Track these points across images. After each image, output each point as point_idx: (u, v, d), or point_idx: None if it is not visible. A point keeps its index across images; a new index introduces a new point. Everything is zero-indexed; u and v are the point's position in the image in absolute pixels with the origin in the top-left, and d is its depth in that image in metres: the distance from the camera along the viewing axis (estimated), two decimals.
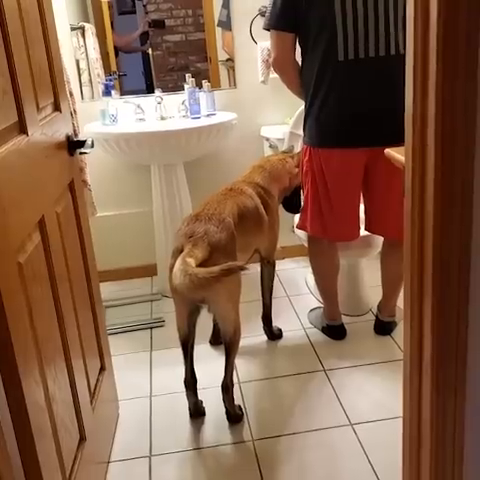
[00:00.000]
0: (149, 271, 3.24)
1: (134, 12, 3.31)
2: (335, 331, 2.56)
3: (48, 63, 1.63)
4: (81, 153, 1.77)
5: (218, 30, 3.22)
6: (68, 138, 1.73)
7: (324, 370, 2.33)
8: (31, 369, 1.25)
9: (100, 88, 3.11)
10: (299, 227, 2.49)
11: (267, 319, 2.58)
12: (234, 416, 2.08)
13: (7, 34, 1.27)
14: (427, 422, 1.19)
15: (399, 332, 2.49)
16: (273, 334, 2.59)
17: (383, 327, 2.55)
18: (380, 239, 2.48)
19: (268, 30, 2.23)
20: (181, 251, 1.89)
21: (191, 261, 1.81)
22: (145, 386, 2.32)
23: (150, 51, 3.36)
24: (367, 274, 2.75)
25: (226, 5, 3.12)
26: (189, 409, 2.12)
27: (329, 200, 2.29)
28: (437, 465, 1.20)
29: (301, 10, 2.11)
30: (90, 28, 3.13)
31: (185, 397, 2.15)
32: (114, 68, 3.30)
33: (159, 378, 2.37)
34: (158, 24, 3.26)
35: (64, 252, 1.57)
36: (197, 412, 2.12)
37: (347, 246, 2.48)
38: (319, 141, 2.24)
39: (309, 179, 2.32)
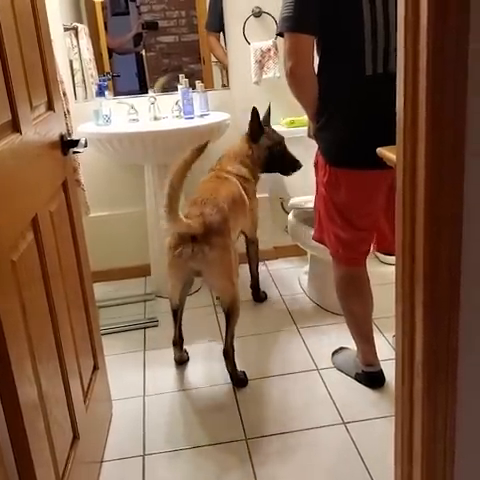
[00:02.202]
0: (143, 271, 3.24)
1: (127, 13, 3.31)
2: (374, 378, 2.21)
3: (41, 62, 1.63)
4: (74, 152, 1.77)
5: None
6: (62, 137, 1.74)
7: (317, 369, 2.34)
8: (24, 367, 1.25)
9: (93, 89, 3.11)
10: (332, 255, 2.18)
11: (256, 287, 2.97)
12: (238, 380, 2.27)
13: (0, 32, 1.27)
14: (419, 420, 1.20)
15: (392, 330, 2.50)
16: (260, 298, 2.97)
17: None
18: None
19: (281, 35, 1.91)
20: (179, 236, 2.15)
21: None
22: (138, 386, 2.31)
23: (143, 52, 3.37)
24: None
25: (213, 9, 3.15)
26: (175, 360, 2.44)
27: (351, 223, 2.05)
28: (429, 463, 1.21)
29: (324, 10, 1.83)
30: (83, 29, 3.13)
31: (179, 395, 2.22)
32: (107, 69, 3.30)
33: (152, 378, 2.37)
34: (151, 26, 3.27)
35: (57, 251, 1.57)
36: (181, 361, 2.45)
37: None
38: (345, 162, 1.97)
39: (328, 201, 2.06)
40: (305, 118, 2.26)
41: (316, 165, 2.14)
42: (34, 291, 1.38)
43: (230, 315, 2.27)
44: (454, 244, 1.04)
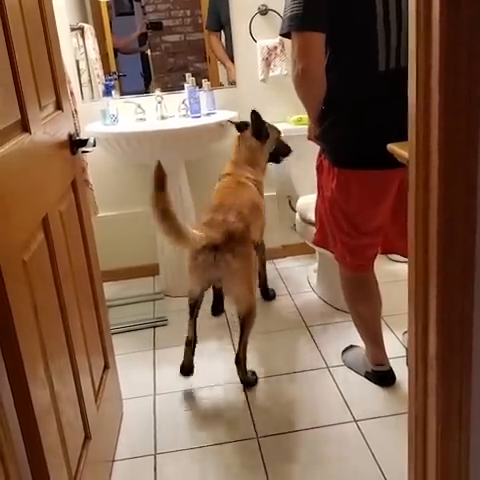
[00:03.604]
0: (151, 271, 3.24)
1: (132, 13, 3.31)
2: (384, 377, 2.20)
3: (49, 62, 1.63)
4: (83, 152, 1.77)
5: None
6: (70, 137, 1.74)
7: (327, 367, 2.33)
8: (36, 366, 1.25)
9: (100, 88, 3.11)
10: (339, 261, 2.16)
11: (264, 286, 2.96)
12: (247, 383, 2.26)
13: (9, 32, 1.27)
14: (433, 414, 1.19)
15: (402, 327, 2.49)
16: (268, 296, 2.96)
17: None
18: None
19: (287, 36, 1.83)
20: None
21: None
22: (149, 385, 2.32)
23: (149, 52, 3.37)
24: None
25: (212, 8, 3.19)
26: (182, 366, 2.30)
27: (359, 227, 2.02)
28: (443, 458, 1.20)
29: (334, 5, 1.75)
30: (89, 29, 3.13)
31: (190, 394, 2.23)
32: (114, 69, 3.30)
33: (163, 377, 2.37)
34: (156, 26, 3.27)
35: (68, 251, 1.57)
36: (187, 369, 2.30)
37: None
38: (356, 162, 1.91)
39: (335, 206, 2.02)
40: None
41: (319, 168, 2.10)
42: (45, 291, 1.38)
43: (245, 323, 2.22)
44: (468, 234, 1.03)
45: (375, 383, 2.20)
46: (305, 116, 2.95)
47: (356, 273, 2.14)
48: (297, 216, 2.91)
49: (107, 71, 3.23)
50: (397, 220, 2.01)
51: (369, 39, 1.78)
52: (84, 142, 1.77)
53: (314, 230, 2.29)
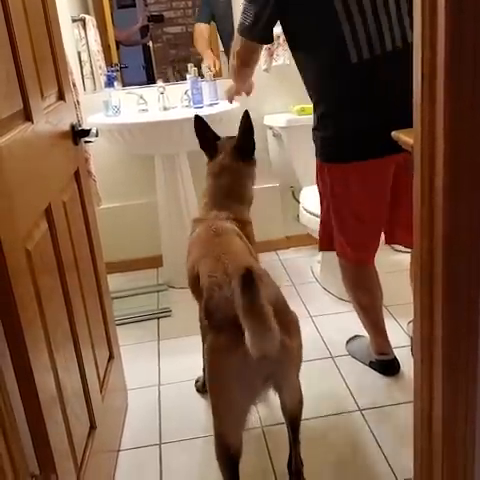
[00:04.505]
0: (155, 262, 3.24)
1: (133, 5, 3.29)
2: (387, 366, 2.19)
3: (51, 52, 1.63)
4: (86, 142, 1.77)
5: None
6: (72, 127, 1.73)
7: (332, 357, 2.33)
8: (41, 356, 1.25)
9: (102, 80, 3.10)
10: (340, 255, 2.14)
11: None
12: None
13: (11, 22, 1.26)
14: (439, 402, 1.18)
15: (407, 317, 2.49)
16: None
17: None
18: None
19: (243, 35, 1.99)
20: (233, 322, 1.30)
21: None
22: (153, 375, 2.32)
23: (151, 44, 3.35)
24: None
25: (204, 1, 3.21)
26: None
27: (362, 219, 2.02)
28: (449, 446, 1.20)
29: (286, 17, 1.88)
30: (91, 20, 3.12)
31: (193, 385, 2.18)
32: (115, 60, 3.29)
33: (167, 367, 2.38)
34: (157, 18, 3.25)
35: (71, 240, 1.57)
36: None
37: None
38: (347, 155, 1.93)
39: (326, 200, 2.06)
40: None
41: (318, 178, 2.10)
42: (49, 280, 1.37)
43: (298, 420, 1.66)
44: (474, 221, 1.02)
45: (379, 372, 2.20)
46: (308, 106, 2.96)
47: (357, 266, 2.15)
48: (300, 207, 2.90)
49: (109, 63, 3.22)
50: (396, 209, 2.03)
51: (335, 35, 1.82)
52: (87, 132, 1.77)
53: (318, 220, 2.30)
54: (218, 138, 2.02)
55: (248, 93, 2.44)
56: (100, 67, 3.17)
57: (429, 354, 1.18)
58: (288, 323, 1.42)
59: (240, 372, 1.37)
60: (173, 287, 3.04)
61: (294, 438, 1.67)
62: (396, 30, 1.84)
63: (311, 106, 2.07)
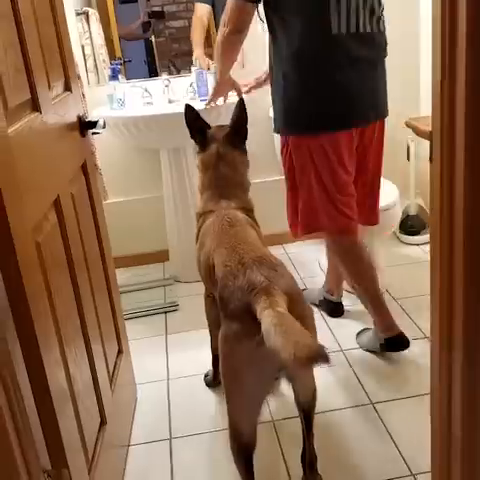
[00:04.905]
0: (161, 257, 3.22)
1: (135, 1, 3.27)
2: (396, 343, 2.18)
3: (57, 42, 1.60)
4: (93, 133, 1.74)
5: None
6: (79, 119, 1.71)
7: (342, 350, 2.31)
8: (52, 349, 1.24)
9: (106, 74, 3.07)
10: (313, 230, 2.21)
11: None
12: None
13: (18, 12, 1.24)
14: (458, 399, 1.16)
15: (416, 310, 2.47)
16: None
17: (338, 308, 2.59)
18: None
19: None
20: (247, 311, 1.34)
21: (288, 316, 1.29)
22: (162, 369, 2.30)
23: (153, 38, 3.32)
24: (381, 254, 2.72)
25: None
26: None
27: (338, 191, 2.11)
28: (469, 444, 1.17)
29: None
30: (94, 13, 3.09)
31: (202, 380, 2.17)
32: (119, 54, 3.26)
33: (175, 361, 2.36)
34: (158, 14, 3.22)
35: (80, 234, 1.55)
36: None
37: None
38: (321, 126, 2.01)
39: (310, 173, 2.09)
40: None
41: (285, 155, 2.14)
42: (59, 274, 1.35)
43: (312, 411, 1.65)
44: None
45: (391, 350, 2.20)
46: None
47: (343, 237, 2.20)
48: None
49: (112, 57, 3.19)
50: (365, 180, 2.21)
51: (320, 6, 1.90)
52: (94, 124, 1.74)
53: None
54: (209, 127, 2.00)
55: (230, 86, 2.46)
56: (103, 61, 3.14)
57: (448, 346, 1.16)
58: (303, 316, 1.39)
59: (254, 360, 1.37)
60: (179, 281, 3.02)
61: (308, 430, 1.65)
62: (367, 16, 1.96)
63: None
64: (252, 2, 1.97)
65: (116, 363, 1.87)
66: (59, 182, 1.43)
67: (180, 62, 3.28)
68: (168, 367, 2.32)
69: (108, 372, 1.73)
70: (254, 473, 1.55)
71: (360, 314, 2.46)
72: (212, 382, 2.15)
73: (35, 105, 1.30)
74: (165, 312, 2.75)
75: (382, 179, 2.31)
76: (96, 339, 1.62)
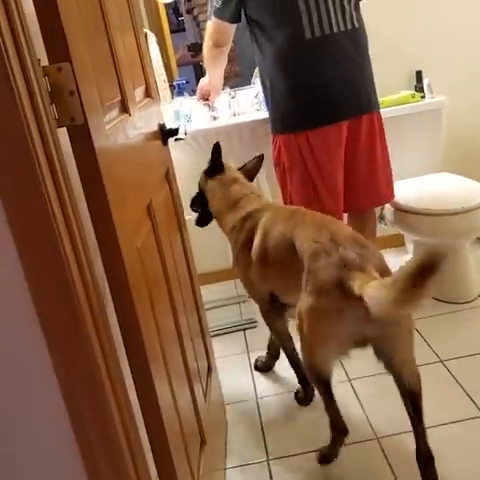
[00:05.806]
0: (230, 274, 3.13)
1: (183, 30, 3.32)
2: None
3: (138, 51, 1.55)
4: (176, 139, 1.67)
5: None
6: (161, 127, 1.65)
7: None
8: (159, 365, 1.15)
9: (167, 94, 3.02)
10: None
11: None
12: None
13: (108, 21, 1.19)
14: None
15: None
16: None
17: None
18: None
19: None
20: (338, 286, 1.43)
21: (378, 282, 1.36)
22: (249, 388, 2.20)
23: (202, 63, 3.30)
24: (472, 257, 2.56)
25: None
26: (325, 455, 1.74)
27: (324, 184, 2.24)
28: None
29: (251, 2, 2.14)
30: (152, 36, 3.08)
31: (293, 398, 2.06)
32: (176, 77, 3.25)
33: (262, 379, 2.25)
34: (196, 47, 3.21)
35: (170, 243, 1.47)
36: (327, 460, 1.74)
37: None
38: (305, 123, 2.19)
39: (297, 170, 2.24)
40: None
41: (278, 158, 2.28)
42: (157, 284, 1.27)
43: (419, 399, 1.56)
44: None
45: None
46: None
47: None
48: (387, 205, 2.71)
49: (170, 80, 3.18)
50: (357, 170, 2.29)
51: (292, 16, 2.10)
52: (175, 131, 1.67)
53: (412, 217, 2.39)
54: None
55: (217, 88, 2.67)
56: (164, 81, 3.12)
57: None
58: None
59: (329, 329, 1.50)
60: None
61: (418, 418, 1.56)
62: (339, 16, 2.12)
63: None
64: (230, 23, 2.25)
65: (207, 381, 1.77)
66: (150, 186, 1.37)
67: (231, 83, 3.24)
68: (255, 385, 2.21)
69: (202, 389, 1.64)
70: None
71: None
72: (304, 399, 2.04)
73: (124, 107, 1.24)
74: (244, 329, 2.66)
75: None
76: (191, 355, 1.52)
